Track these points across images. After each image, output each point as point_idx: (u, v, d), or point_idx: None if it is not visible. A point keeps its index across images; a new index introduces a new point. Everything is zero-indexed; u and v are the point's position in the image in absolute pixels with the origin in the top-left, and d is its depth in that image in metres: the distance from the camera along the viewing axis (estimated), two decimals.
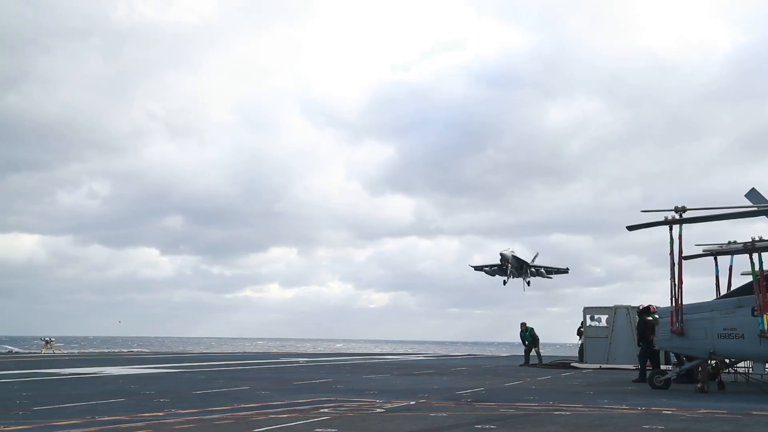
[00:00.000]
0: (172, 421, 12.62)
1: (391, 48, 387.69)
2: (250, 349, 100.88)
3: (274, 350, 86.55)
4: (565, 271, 76.92)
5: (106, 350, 78.53)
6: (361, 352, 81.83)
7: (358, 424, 12.63)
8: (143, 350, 79.05)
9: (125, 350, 78.00)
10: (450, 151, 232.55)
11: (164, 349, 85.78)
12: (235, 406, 15.46)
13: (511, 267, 71.56)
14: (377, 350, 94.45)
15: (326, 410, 14.52)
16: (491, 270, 73.94)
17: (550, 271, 75.86)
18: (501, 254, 71.78)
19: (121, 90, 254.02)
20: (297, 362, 42.22)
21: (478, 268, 75.18)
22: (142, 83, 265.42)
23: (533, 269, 73.94)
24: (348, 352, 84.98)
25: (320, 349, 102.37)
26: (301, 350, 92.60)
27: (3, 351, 71.24)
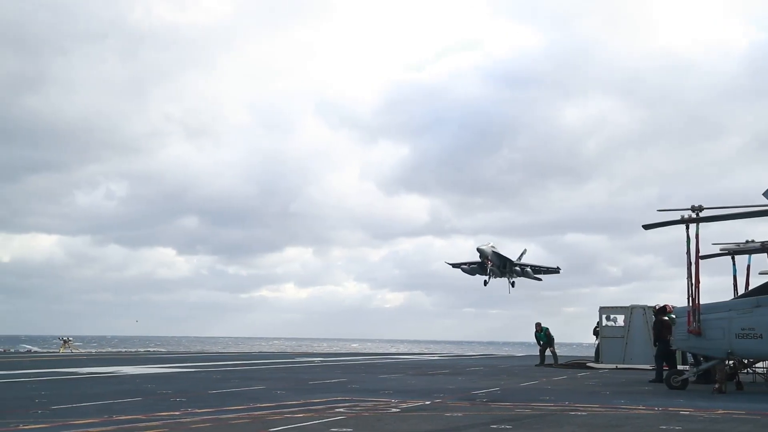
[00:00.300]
0: (188, 420, 12.68)
1: (405, 48, 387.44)
2: (265, 348, 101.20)
3: (290, 350, 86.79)
4: (556, 270, 68.45)
5: (123, 350, 79.07)
6: (376, 351, 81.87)
7: (374, 423, 12.63)
8: (160, 350, 79.49)
9: (142, 350, 78.47)
10: (465, 151, 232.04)
11: (180, 349, 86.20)
12: (251, 405, 15.50)
13: (492, 265, 63.14)
14: (392, 350, 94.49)
15: (341, 410, 14.54)
16: (470, 268, 65.86)
17: (539, 271, 67.99)
18: (479, 249, 62.73)
19: (137, 91, 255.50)
20: (312, 362, 42.29)
21: (455, 266, 67.01)
22: (158, 85, 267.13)
23: (518, 268, 66.03)
24: (363, 351, 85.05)
25: (335, 349, 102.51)
26: (317, 350, 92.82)
27: (22, 350, 71.85)
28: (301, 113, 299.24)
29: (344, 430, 11.55)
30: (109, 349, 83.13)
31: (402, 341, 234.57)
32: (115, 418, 12.91)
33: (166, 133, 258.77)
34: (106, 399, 16.59)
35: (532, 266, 67.42)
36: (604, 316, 39.25)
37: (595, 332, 40.26)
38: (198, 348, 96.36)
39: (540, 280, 68.41)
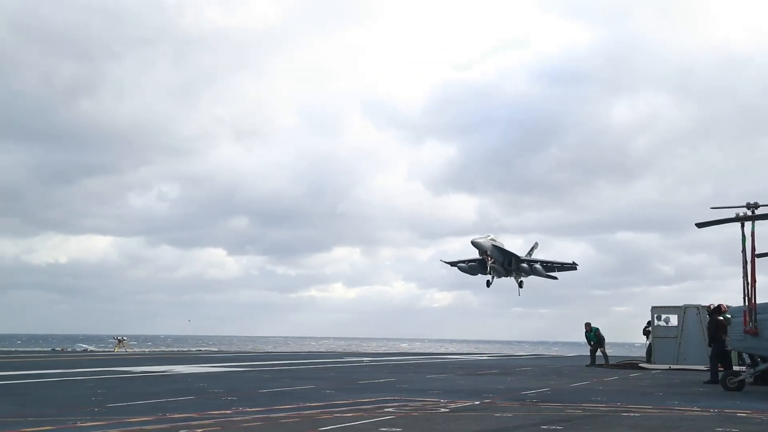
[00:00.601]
0: (239, 419, 12.84)
1: (453, 47, 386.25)
2: (314, 348, 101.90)
3: (338, 349, 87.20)
4: (572, 266, 58.80)
5: (175, 349, 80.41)
6: (424, 351, 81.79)
7: (422, 423, 12.62)
8: (211, 349, 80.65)
9: (194, 349, 79.71)
10: (513, 150, 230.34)
11: (231, 348, 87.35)
12: (301, 404, 15.62)
13: (494, 261, 54.89)
14: (440, 350, 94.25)
15: (390, 409, 14.55)
16: (468, 266, 57.79)
17: (551, 267, 59.14)
18: (475, 243, 53.36)
19: (188, 95, 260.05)
20: (361, 362, 42.42)
21: (453, 264, 59.02)
22: (208, 88, 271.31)
23: (526, 265, 57.46)
24: (411, 351, 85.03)
25: (384, 349, 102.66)
26: (365, 350, 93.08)
27: (78, 349, 73.63)
28: (349, 114, 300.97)
29: (393, 429, 11.56)
30: (163, 348, 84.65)
31: (450, 341, 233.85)
32: (168, 416, 13.13)
33: (215, 135, 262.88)
34: (159, 397, 16.90)
35: (542, 262, 58.70)
36: (655, 316, 38.58)
37: (646, 332, 39.60)
38: (248, 347, 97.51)
39: (554, 278, 59.91)
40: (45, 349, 71.82)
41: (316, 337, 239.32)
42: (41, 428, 11.31)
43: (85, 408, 14.42)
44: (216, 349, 79.56)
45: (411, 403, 15.98)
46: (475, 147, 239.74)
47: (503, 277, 58.20)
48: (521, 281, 59.15)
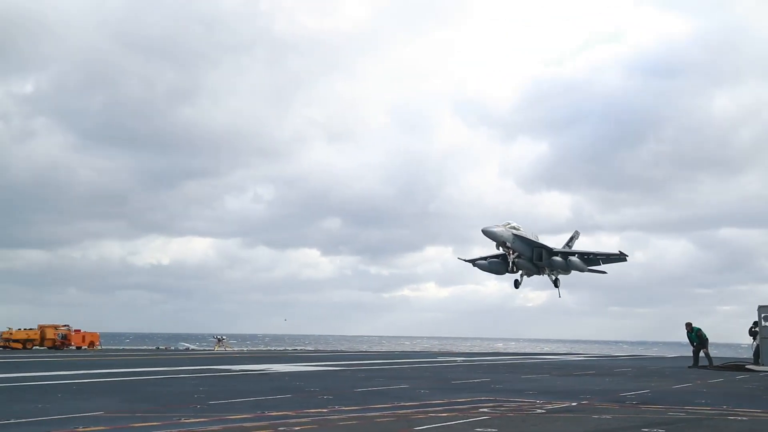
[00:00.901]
0: (335, 417, 13.02)
1: (544, 43, 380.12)
2: (408, 347, 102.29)
3: (432, 349, 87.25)
4: (620, 257, 47.12)
5: (272, 348, 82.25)
6: (518, 351, 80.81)
7: (519, 424, 12.49)
8: (307, 348, 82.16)
9: (290, 348, 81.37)
10: (607, 145, 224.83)
11: (326, 347, 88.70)
12: (395, 404, 15.71)
13: (517, 255, 44.67)
14: (536, 350, 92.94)
15: (485, 410, 14.46)
16: (488, 263, 47.66)
17: (594, 260, 47.78)
18: (486, 232, 42.21)
19: (282, 98, 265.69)
20: (454, 361, 42.29)
21: (472, 262, 49.09)
22: (301, 91, 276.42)
23: (560, 258, 46.18)
24: (505, 351, 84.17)
25: (477, 348, 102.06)
26: (459, 349, 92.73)
27: (181, 348, 76.34)
28: (439, 113, 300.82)
29: (489, 430, 11.48)
30: (261, 347, 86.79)
31: (545, 341, 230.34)
32: (267, 414, 13.45)
33: (308, 138, 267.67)
34: (258, 395, 17.33)
35: (581, 254, 47.50)
36: (763, 316, 36.87)
37: (752, 332, 37.92)
38: (344, 346, 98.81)
39: (602, 272, 49.79)
40: (150, 348, 74.83)
41: (409, 337, 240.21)
42: (148, 424, 11.79)
43: (188, 405, 14.94)
44: (312, 349, 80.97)
45: (506, 404, 15.83)
46: (567, 143, 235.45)
47: (535, 275, 48.00)
48: (557, 279, 48.37)
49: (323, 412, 13.80)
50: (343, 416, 13.15)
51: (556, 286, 49.01)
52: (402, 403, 15.82)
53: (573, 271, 48.92)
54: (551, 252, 46.66)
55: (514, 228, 44.12)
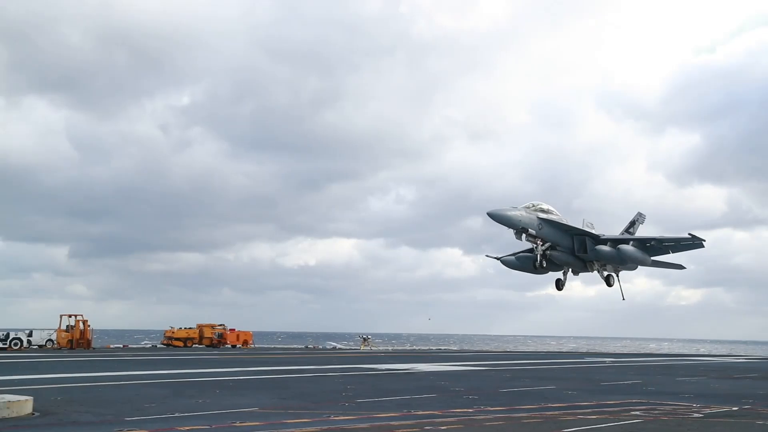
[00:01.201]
0: (481, 417, 12.99)
1: (693, 30, 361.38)
2: (554, 348, 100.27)
3: (580, 349, 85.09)
4: (693, 242, 34.92)
5: (416, 347, 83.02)
6: (672, 352, 77.28)
7: (674, 429, 11.97)
8: (450, 348, 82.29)
9: (434, 348, 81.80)
10: (767, 134, 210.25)
11: (472, 347, 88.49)
12: (542, 405, 15.47)
13: (551, 247, 34.89)
14: (691, 351, 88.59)
15: (637, 413, 13.98)
16: (518, 259, 37.19)
17: (659, 248, 36.08)
18: (496, 215, 32.20)
19: (422, 99, 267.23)
20: (603, 362, 41.07)
21: (501, 260, 38.37)
22: (441, 91, 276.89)
23: (608, 247, 35.18)
24: (658, 352, 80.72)
25: (628, 349, 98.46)
26: (607, 349, 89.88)
27: (328, 347, 78.51)
28: (582, 107, 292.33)
29: None
30: (407, 346, 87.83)
31: (701, 341, 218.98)
32: (413, 413, 13.61)
33: (449, 138, 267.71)
34: (404, 394, 17.57)
35: (640, 240, 36.34)
36: None
37: None
38: (489, 346, 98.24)
39: (677, 266, 38.57)
40: (299, 346, 77.48)
41: (555, 336, 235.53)
42: (299, 420, 12.23)
43: (337, 402, 15.36)
44: (456, 348, 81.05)
45: (660, 407, 15.23)
46: (722, 134, 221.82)
47: (581, 272, 37.76)
48: (609, 276, 37.37)
49: (469, 412, 13.80)
50: (490, 416, 13.10)
51: (609, 284, 37.36)
52: (549, 404, 15.57)
53: (639, 266, 37.95)
54: (597, 240, 35.84)
55: (541, 210, 34.13)
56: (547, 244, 34.54)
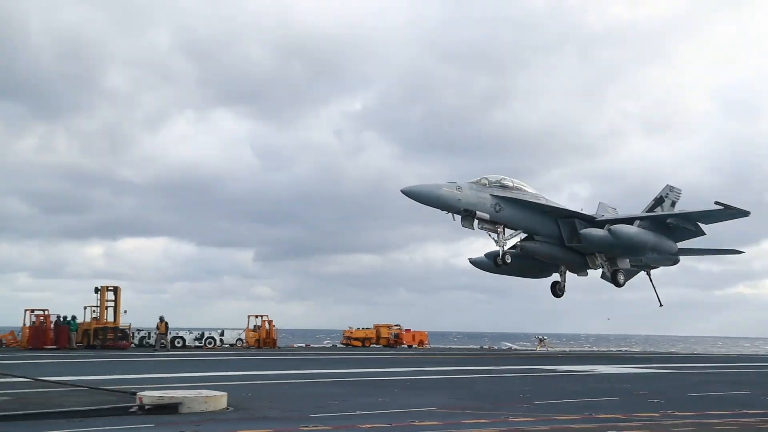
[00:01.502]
0: (668, 423, 12.37)
1: None
2: (747, 350, 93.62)
3: None
4: (728, 212, 30.01)
5: (595, 348, 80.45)
6: None
7: None
8: (632, 349, 78.99)
9: (614, 349, 78.88)
10: None
11: (658, 349, 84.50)
12: (737, 411, 14.47)
13: (528, 238, 28.85)
14: None
15: None
16: (489, 257, 30.90)
17: (679, 230, 29.68)
18: (411, 192, 29.08)
19: (595, 93, 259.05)
20: None
21: (478, 263, 33.92)
22: (615, 84, 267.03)
23: (606, 232, 27.99)
24: None
25: None
26: None
27: (503, 348, 77.83)
28: None
29: None
30: (586, 347, 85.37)
31: None
32: (594, 416, 13.18)
33: (625, 131, 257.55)
34: (583, 396, 17.08)
35: (655, 218, 28.95)
36: None
37: None
38: (675, 348, 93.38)
39: (732, 251, 31.58)
40: (475, 347, 77.44)
41: (749, 338, 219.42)
42: (478, 420, 12.21)
43: (515, 404, 15.18)
44: (638, 350, 77.76)
45: None
46: None
47: (586, 269, 30.17)
48: (616, 271, 29.56)
49: (654, 417, 13.18)
50: (677, 422, 12.43)
51: (616, 282, 29.83)
52: (745, 411, 14.53)
53: (667, 259, 29.46)
54: (593, 222, 28.10)
55: (500, 186, 26.40)
56: (515, 233, 27.69)
